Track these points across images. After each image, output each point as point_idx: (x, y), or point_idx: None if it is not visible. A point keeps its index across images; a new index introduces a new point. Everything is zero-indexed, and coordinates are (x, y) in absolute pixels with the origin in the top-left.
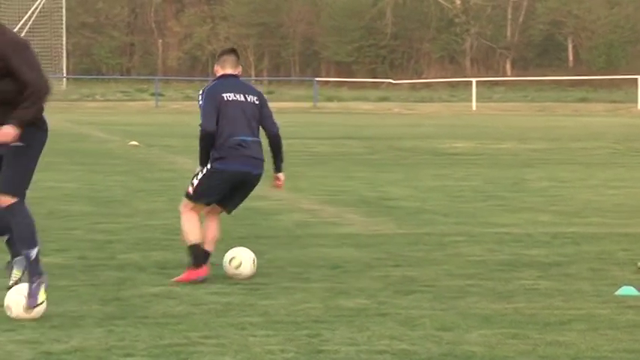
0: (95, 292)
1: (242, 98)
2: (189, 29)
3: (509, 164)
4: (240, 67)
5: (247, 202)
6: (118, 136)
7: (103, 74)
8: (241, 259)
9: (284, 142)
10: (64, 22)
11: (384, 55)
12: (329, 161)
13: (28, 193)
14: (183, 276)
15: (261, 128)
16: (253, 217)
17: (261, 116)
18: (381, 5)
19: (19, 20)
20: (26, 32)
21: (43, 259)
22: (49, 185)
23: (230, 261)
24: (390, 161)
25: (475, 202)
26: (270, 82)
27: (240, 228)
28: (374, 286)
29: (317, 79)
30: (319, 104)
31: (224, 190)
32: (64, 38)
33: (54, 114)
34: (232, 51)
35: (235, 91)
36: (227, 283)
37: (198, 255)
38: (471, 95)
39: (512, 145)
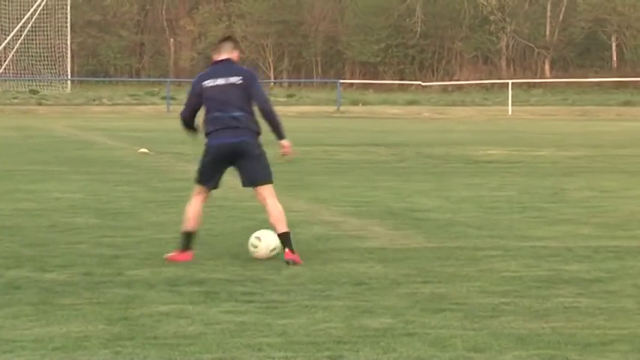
0: (101, 310)
1: (222, 82)
2: (204, 28)
3: (548, 173)
4: (237, 51)
5: (264, 215)
6: (126, 143)
7: (110, 76)
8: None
9: (305, 149)
10: (68, 20)
11: (413, 56)
12: (353, 170)
13: (30, 204)
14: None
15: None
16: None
17: (251, 94)
18: (410, 2)
19: (21, 18)
20: (28, 31)
21: (46, 275)
22: (52, 196)
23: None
24: (419, 170)
25: (511, 213)
26: (290, 85)
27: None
28: (401, 304)
29: (340, 81)
30: (343, 108)
31: (212, 167)
32: (69, 37)
33: (57, 119)
34: (228, 38)
35: (217, 77)
36: (241, 301)
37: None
38: (506, 98)
39: (551, 152)
